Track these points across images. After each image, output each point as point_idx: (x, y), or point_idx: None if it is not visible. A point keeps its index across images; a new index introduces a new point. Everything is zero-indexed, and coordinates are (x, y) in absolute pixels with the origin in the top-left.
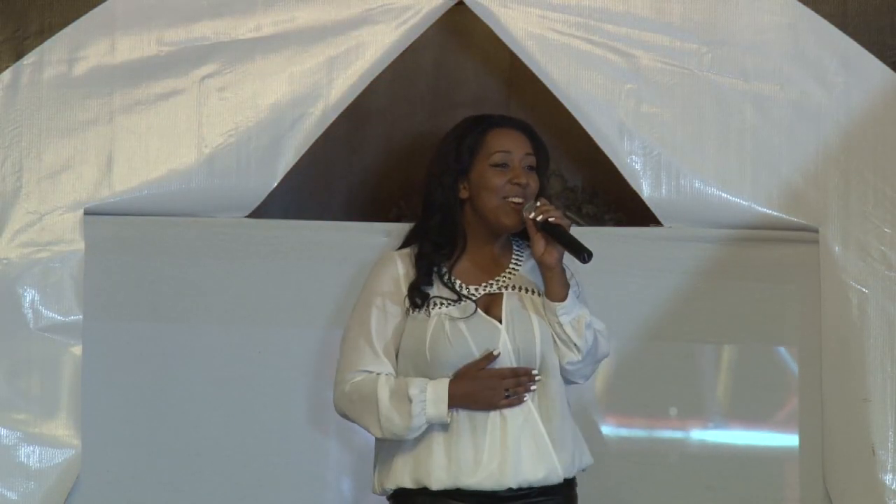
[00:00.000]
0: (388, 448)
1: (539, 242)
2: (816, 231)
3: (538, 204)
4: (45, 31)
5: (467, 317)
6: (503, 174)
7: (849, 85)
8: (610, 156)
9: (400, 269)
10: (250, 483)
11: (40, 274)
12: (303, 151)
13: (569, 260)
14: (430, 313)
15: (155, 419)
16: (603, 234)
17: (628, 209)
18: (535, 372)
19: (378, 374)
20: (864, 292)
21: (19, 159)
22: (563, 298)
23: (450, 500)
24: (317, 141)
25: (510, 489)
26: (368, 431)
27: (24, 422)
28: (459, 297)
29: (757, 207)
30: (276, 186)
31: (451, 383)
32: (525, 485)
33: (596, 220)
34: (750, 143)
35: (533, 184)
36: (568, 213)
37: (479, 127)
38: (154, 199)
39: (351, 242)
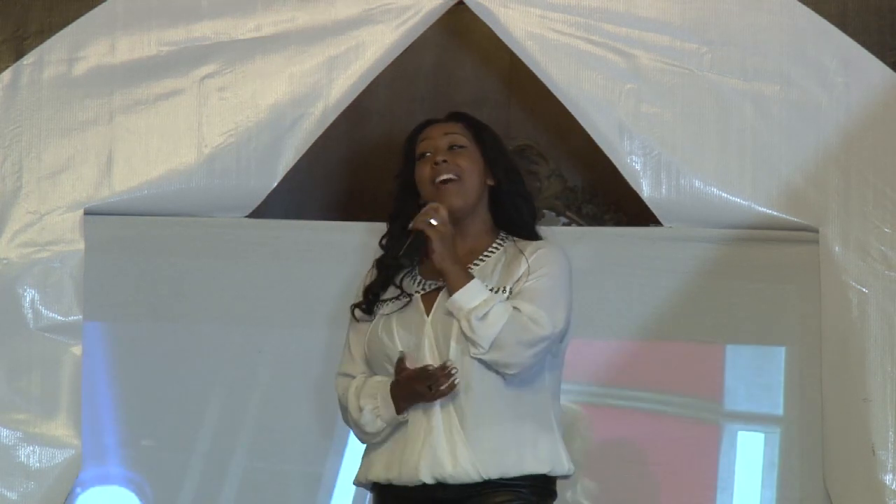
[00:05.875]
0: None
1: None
2: (816, 231)
3: (423, 208)
4: (45, 31)
5: (401, 310)
6: (427, 162)
7: (849, 85)
8: (610, 156)
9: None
10: (250, 482)
11: (40, 274)
12: (303, 151)
13: (610, 259)
14: (376, 314)
15: (154, 419)
16: (603, 234)
17: (628, 209)
18: (448, 362)
19: (353, 377)
20: (864, 292)
21: (19, 159)
22: (454, 292)
23: (389, 494)
24: (317, 141)
25: (425, 484)
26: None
27: (24, 422)
28: (401, 293)
29: (757, 207)
30: (276, 186)
31: (391, 386)
32: (439, 479)
33: (596, 220)
34: (750, 143)
35: (462, 160)
36: (569, 213)
37: (413, 134)
38: (154, 199)
39: (351, 242)
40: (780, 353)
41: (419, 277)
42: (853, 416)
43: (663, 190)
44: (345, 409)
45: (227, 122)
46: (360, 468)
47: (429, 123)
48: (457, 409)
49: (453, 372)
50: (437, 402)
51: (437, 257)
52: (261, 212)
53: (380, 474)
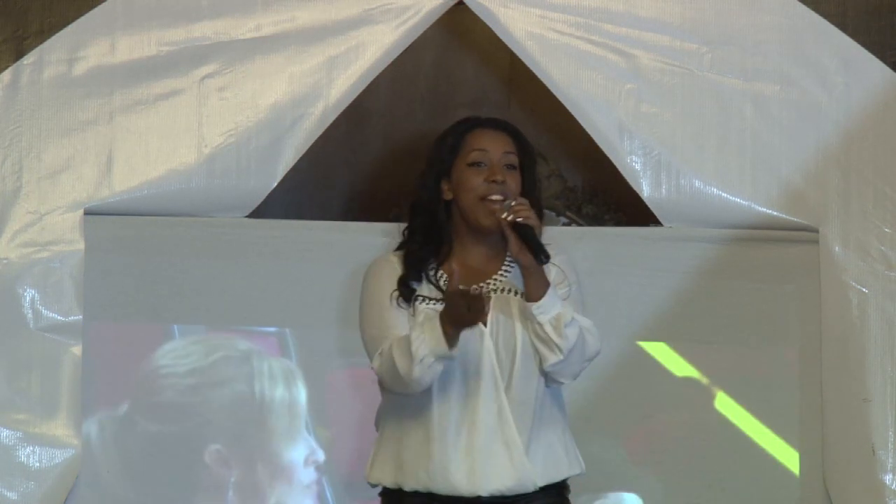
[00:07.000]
0: (379, 443)
1: (514, 243)
2: (816, 231)
3: (513, 204)
4: (45, 31)
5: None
6: (480, 173)
7: (849, 85)
8: (610, 156)
9: (397, 269)
10: (250, 483)
11: (40, 274)
12: (303, 151)
13: (610, 259)
14: (415, 310)
15: (154, 419)
16: (603, 234)
17: (628, 209)
18: (475, 288)
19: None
20: (864, 292)
21: (19, 159)
22: (541, 297)
23: (426, 502)
24: (317, 141)
25: (480, 497)
26: (406, 391)
27: (24, 422)
28: (444, 295)
29: (757, 207)
30: (276, 186)
31: (439, 315)
32: (497, 493)
33: (596, 220)
34: (750, 143)
35: (512, 182)
36: (569, 213)
37: (460, 128)
38: (154, 199)
39: (351, 242)
40: (781, 353)
41: (445, 278)
42: (853, 416)
43: (663, 190)
44: (391, 367)
45: (227, 122)
46: (379, 467)
47: (479, 124)
48: (516, 420)
49: (487, 302)
50: (489, 412)
51: (531, 257)
52: (261, 212)
53: (420, 485)
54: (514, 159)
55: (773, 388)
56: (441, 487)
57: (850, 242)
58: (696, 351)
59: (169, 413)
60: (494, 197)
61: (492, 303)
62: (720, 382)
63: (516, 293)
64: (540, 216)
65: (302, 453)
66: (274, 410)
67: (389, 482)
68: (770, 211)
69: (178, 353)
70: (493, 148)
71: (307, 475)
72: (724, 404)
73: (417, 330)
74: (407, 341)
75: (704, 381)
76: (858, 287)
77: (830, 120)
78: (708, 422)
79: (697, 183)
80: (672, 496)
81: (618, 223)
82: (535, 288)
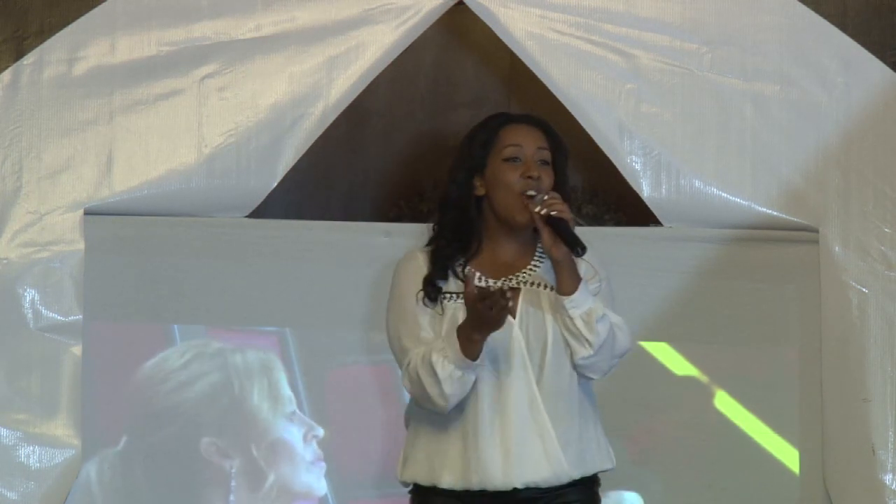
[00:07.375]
0: (411, 441)
1: (547, 236)
2: (816, 231)
3: (545, 198)
4: (45, 31)
5: None
6: (515, 168)
7: (849, 85)
8: (610, 156)
9: (423, 266)
10: (252, 468)
11: (40, 274)
12: (303, 151)
13: (610, 259)
14: (443, 307)
15: (154, 419)
16: (603, 234)
17: (628, 209)
18: (500, 285)
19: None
20: (864, 292)
21: (19, 159)
22: (573, 292)
23: (459, 500)
24: (317, 141)
25: (516, 489)
26: (443, 410)
27: (24, 422)
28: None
29: (757, 207)
30: (276, 186)
31: (457, 329)
32: (531, 485)
33: (596, 220)
34: (750, 143)
35: (546, 178)
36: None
37: (492, 123)
38: (154, 199)
39: (351, 242)
40: (781, 353)
41: (477, 273)
42: (853, 416)
43: (663, 190)
44: (422, 391)
45: (227, 122)
46: (412, 465)
47: (512, 119)
48: (548, 411)
49: (508, 296)
50: (521, 403)
51: (566, 250)
52: (261, 212)
53: (455, 481)
54: (547, 155)
55: (773, 388)
56: (476, 482)
57: (850, 242)
58: (697, 351)
59: (160, 420)
60: (529, 193)
61: (521, 295)
62: (720, 382)
63: (546, 287)
64: (569, 198)
65: (298, 431)
66: (254, 395)
67: (424, 480)
68: (770, 211)
69: (156, 362)
70: (527, 143)
71: (309, 452)
72: (725, 404)
73: (437, 350)
74: (430, 364)
75: (704, 380)
76: (858, 287)
77: (830, 120)
78: (708, 421)
79: (697, 183)
80: (672, 495)
81: (618, 223)
82: (567, 282)
